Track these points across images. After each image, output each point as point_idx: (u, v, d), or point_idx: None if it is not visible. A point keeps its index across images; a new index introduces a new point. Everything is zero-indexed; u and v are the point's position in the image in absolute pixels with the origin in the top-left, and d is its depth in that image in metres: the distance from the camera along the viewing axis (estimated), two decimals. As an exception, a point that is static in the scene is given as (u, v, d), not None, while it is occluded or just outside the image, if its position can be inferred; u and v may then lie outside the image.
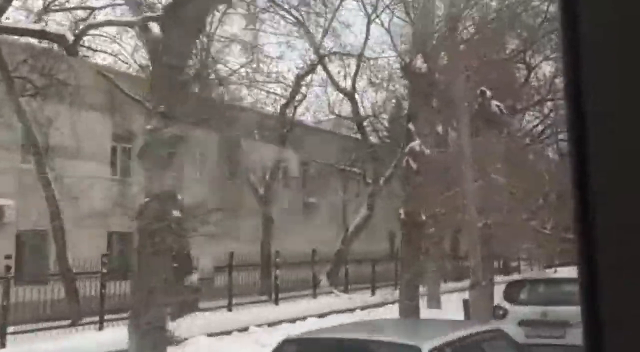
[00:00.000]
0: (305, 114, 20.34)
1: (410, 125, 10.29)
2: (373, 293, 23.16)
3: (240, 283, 18.09)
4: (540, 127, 27.89)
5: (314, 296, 20.27)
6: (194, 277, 15.47)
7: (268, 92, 18.78)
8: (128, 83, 16.06)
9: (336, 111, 21.69)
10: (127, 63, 16.49)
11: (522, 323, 8.39)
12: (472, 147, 11.43)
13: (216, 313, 16.04)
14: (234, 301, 17.27)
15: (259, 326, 15.23)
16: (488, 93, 12.77)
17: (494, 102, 13.19)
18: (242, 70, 18.26)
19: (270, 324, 15.36)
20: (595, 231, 0.86)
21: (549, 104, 27.27)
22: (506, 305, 8.74)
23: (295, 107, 19.49)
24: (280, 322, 15.95)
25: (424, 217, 10.46)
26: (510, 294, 8.95)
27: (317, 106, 21.74)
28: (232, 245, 17.95)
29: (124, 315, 10.22)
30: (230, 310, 16.69)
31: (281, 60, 19.32)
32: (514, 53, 22.81)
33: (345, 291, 21.91)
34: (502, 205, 17.00)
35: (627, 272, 0.84)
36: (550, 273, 9.50)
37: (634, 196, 0.84)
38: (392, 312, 15.50)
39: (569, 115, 0.90)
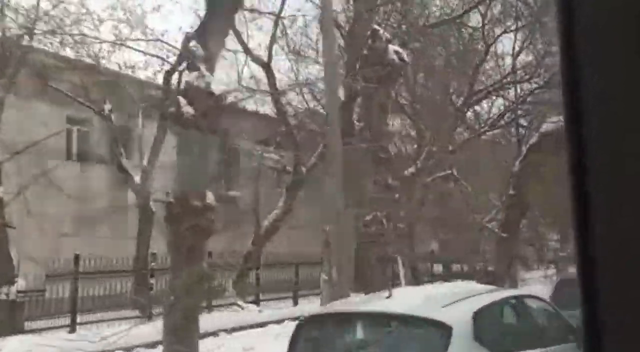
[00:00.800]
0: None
1: (193, 44, 6.64)
2: (296, 303, 19.61)
3: (104, 293, 14.33)
4: (498, 112, 24.31)
5: (209, 309, 16.48)
6: (13, 289, 11.63)
7: (145, 53, 14.95)
8: None
9: (245, 83, 17.78)
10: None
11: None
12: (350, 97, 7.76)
13: (47, 335, 12.25)
14: (89, 318, 13.53)
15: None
16: (382, 34, 9.16)
17: (392, 47, 9.62)
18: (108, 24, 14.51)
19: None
20: (594, 229, 0.83)
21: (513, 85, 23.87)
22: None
23: (181, 74, 15.55)
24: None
25: (210, 201, 6.73)
26: (295, 343, 5.00)
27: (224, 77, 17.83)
28: (96, 245, 14.24)
29: None
30: (73, 331, 12.87)
31: (158, 12, 15.53)
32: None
33: (256, 301, 18.18)
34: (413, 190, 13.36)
35: (628, 271, 0.82)
36: (379, 302, 5.34)
37: (635, 193, 0.81)
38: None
39: (567, 108, 0.87)
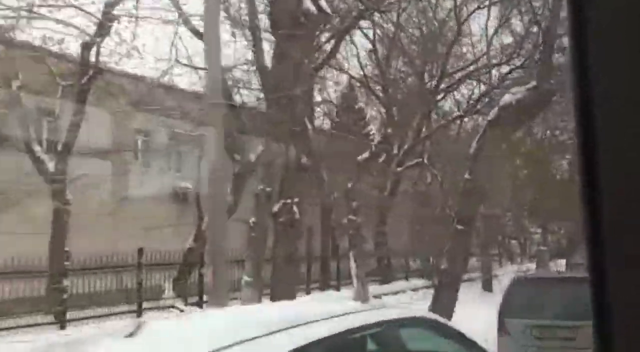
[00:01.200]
0: (111, 55, 14.24)
1: None
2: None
3: (9, 297, 12.60)
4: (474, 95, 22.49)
5: (139, 313, 14.71)
6: None
7: (58, 21, 12.99)
8: None
9: (183, 60, 15.84)
10: None
11: None
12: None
13: None
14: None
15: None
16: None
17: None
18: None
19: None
20: (604, 223, 0.81)
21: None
22: None
23: (98, 46, 13.67)
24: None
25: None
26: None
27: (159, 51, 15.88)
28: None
29: None
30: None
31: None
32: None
33: (199, 303, 16.36)
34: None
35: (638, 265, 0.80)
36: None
37: None
38: None
39: (577, 104, 0.85)
